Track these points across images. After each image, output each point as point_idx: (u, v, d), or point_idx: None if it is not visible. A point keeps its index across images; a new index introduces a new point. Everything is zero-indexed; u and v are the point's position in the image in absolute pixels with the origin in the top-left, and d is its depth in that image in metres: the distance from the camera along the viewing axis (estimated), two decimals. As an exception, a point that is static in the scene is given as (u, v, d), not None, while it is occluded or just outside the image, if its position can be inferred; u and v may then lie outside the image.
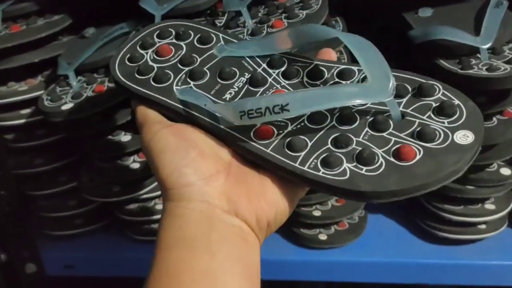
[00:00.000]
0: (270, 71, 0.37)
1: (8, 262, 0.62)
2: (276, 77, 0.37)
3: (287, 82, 0.36)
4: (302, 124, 0.33)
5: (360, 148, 0.31)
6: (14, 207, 0.59)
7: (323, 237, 0.59)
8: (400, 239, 0.60)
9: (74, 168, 0.63)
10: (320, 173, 0.30)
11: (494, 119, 0.52)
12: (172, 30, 0.42)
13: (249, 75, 0.37)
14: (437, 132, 0.30)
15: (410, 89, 0.33)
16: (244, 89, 0.36)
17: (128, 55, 0.40)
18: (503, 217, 0.58)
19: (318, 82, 0.36)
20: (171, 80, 0.37)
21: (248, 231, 0.31)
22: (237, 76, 0.37)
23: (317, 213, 0.59)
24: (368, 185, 0.29)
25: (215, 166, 0.33)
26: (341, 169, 0.30)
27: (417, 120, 0.32)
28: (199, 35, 0.41)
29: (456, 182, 0.55)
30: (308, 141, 0.32)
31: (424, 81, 0.33)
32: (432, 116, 0.32)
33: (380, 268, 0.58)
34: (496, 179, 0.56)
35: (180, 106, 0.36)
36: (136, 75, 0.38)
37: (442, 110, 0.31)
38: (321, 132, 0.32)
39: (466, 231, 0.58)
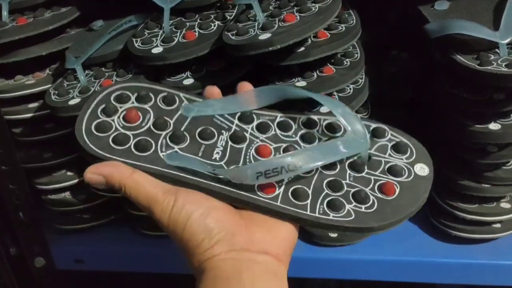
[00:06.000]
0: (244, 126, 0.40)
1: (18, 255, 0.62)
2: (252, 131, 0.40)
3: (264, 136, 0.39)
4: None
5: (352, 190, 0.36)
6: (23, 201, 0.59)
7: (333, 234, 0.58)
8: (412, 237, 0.59)
9: (83, 162, 0.62)
10: (330, 217, 0.35)
11: (512, 116, 0.51)
12: (130, 94, 0.40)
13: (228, 133, 0.39)
14: (402, 167, 0.37)
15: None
16: (229, 147, 0.38)
17: (94, 124, 0.38)
18: (518, 216, 0.57)
19: (290, 133, 0.40)
20: (154, 147, 0.37)
21: (276, 263, 0.34)
22: (216, 135, 0.39)
23: (328, 210, 0.58)
24: (373, 221, 0.34)
25: (234, 218, 0.35)
26: (345, 211, 0.35)
27: (382, 159, 0.38)
28: (161, 97, 0.40)
29: (471, 180, 0.55)
30: (307, 189, 0.36)
31: (375, 125, 0.40)
32: (392, 154, 0.38)
33: (391, 266, 0.57)
34: (512, 177, 0.54)
35: (174, 172, 0.36)
36: (114, 146, 0.37)
37: (398, 149, 0.39)
38: (314, 179, 0.37)
39: (481, 230, 0.56)
